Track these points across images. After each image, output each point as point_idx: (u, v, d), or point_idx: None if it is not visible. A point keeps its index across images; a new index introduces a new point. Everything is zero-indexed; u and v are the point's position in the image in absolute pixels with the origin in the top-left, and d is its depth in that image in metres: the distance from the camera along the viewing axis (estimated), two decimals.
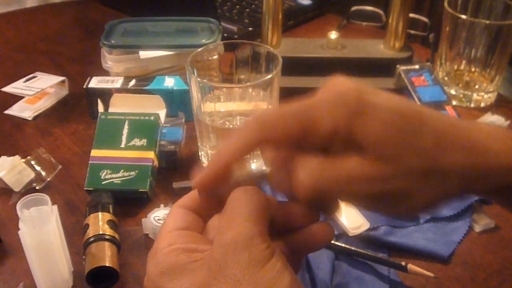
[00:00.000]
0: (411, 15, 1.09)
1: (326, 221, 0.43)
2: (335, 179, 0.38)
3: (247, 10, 1.31)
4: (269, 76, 0.75)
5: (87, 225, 0.70)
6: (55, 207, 0.64)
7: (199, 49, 0.80)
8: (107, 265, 0.65)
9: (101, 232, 0.69)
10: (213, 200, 0.43)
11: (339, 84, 0.39)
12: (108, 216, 0.71)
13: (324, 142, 0.39)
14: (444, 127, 0.40)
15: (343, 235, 0.73)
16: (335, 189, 0.39)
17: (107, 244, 0.68)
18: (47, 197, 0.63)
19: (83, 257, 0.67)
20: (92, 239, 0.68)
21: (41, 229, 0.62)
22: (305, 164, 0.39)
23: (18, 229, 0.62)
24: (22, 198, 0.62)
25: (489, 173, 0.40)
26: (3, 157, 0.85)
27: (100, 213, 0.71)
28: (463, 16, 0.95)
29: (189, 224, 0.43)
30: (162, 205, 0.76)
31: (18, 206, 0.61)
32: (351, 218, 0.74)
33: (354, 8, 1.32)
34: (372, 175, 0.38)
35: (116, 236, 0.69)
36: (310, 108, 0.39)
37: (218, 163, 0.41)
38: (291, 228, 0.42)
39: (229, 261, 0.36)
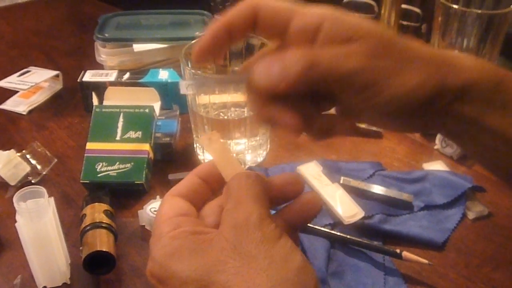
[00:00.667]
0: (403, 6, 1.10)
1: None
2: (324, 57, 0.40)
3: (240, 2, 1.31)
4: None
5: (84, 215, 0.70)
6: (52, 199, 0.64)
7: (193, 41, 0.81)
8: (104, 250, 0.66)
9: (97, 221, 0.69)
10: (205, 187, 0.45)
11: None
12: (104, 206, 0.72)
13: (308, 33, 0.42)
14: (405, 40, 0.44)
15: (338, 224, 0.74)
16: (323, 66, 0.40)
17: (104, 231, 0.68)
18: (43, 190, 0.63)
19: (80, 248, 0.68)
20: (88, 227, 0.68)
21: (38, 222, 0.62)
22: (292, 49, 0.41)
23: (15, 222, 0.62)
24: (19, 191, 0.62)
25: (458, 67, 0.43)
26: None
27: (97, 204, 0.72)
28: (455, 6, 0.95)
29: (186, 212, 0.43)
30: (158, 197, 0.76)
31: (14, 199, 0.61)
32: (346, 207, 0.75)
33: None
34: (352, 51, 0.40)
35: (113, 224, 0.70)
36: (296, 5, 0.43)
37: (215, 26, 0.43)
38: (282, 201, 0.44)
39: (243, 240, 0.37)
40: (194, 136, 0.84)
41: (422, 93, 0.41)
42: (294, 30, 0.42)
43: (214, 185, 0.46)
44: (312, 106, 0.45)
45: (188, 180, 0.45)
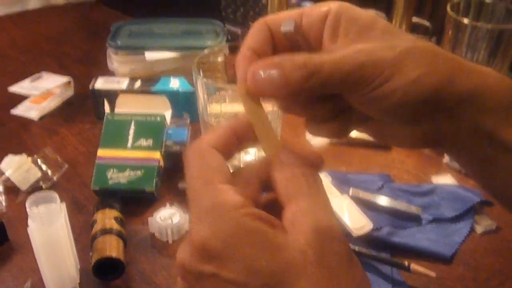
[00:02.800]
0: (414, 19, 1.10)
1: None
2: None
3: (251, 12, 1.31)
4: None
5: (95, 221, 0.71)
6: (64, 204, 0.65)
7: (206, 51, 0.81)
8: (113, 256, 0.66)
9: (108, 227, 0.70)
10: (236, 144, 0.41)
11: None
12: (115, 213, 0.73)
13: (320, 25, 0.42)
14: None
15: (346, 235, 0.74)
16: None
17: (114, 237, 0.69)
18: (56, 195, 0.63)
19: (90, 253, 0.68)
20: (99, 233, 0.69)
21: (49, 227, 0.63)
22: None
23: (26, 226, 0.63)
24: (31, 196, 0.63)
25: (470, 69, 0.42)
26: (10, 156, 0.85)
27: (107, 210, 0.72)
28: (466, 21, 0.96)
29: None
30: (167, 205, 0.77)
31: (27, 204, 0.62)
32: (354, 219, 0.75)
33: None
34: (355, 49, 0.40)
35: (123, 231, 0.71)
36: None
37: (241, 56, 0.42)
38: None
39: (326, 249, 0.34)
40: None
41: (424, 87, 0.40)
42: (305, 27, 0.43)
43: (244, 143, 0.41)
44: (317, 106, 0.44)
45: (225, 134, 0.40)
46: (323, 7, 0.42)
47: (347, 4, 0.42)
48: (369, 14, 0.42)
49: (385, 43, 0.40)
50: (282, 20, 0.42)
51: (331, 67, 0.39)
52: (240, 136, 0.40)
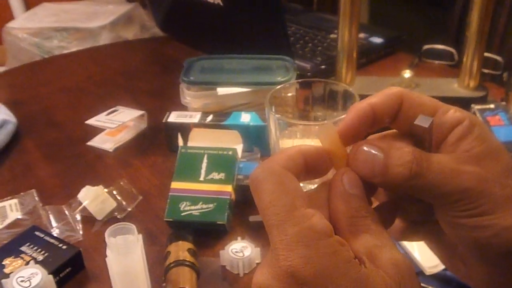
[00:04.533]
0: (486, 54, 1.09)
1: None
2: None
3: (319, 48, 1.33)
4: (345, 115, 0.76)
5: (168, 252, 0.72)
6: (140, 236, 0.67)
7: (278, 87, 0.82)
8: (187, 287, 0.67)
9: (182, 259, 0.71)
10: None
11: None
12: (188, 245, 0.74)
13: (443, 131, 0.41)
14: None
15: (419, 273, 0.73)
16: None
17: (187, 269, 0.70)
18: (133, 226, 0.65)
19: (163, 284, 0.70)
20: (172, 265, 0.70)
21: (126, 257, 0.65)
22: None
23: (101, 255, 0.65)
24: (110, 227, 0.65)
25: None
26: (87, 187, 0.88)
27: (181, 242, 0.74)
28: None
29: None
30: (239, 238, 0.78)
31: (106, 234, 0.64)
32: (426, 257, 0.74)
33: (425, 46, 1.33)
34: (466, 170, 0.39)
35: (196, 263, 0.72)
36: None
37: (361, 105, 0.42)
38: None
39: (407, 282, 0.36)
40: None
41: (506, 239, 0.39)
42: (436, 124, 0.41)
43: (311, 172, 0.41)
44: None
45: (295, 156, 0.39)
46: (458, 114, 0.41)
47: (481, 122, 0.41)
48: (498, 142, 0.41)
49: (500, 178, 0.39)
50: (417, 99, 0.42)
51: (437, 178, 0.38)
52: (309, 163, 0.40)
